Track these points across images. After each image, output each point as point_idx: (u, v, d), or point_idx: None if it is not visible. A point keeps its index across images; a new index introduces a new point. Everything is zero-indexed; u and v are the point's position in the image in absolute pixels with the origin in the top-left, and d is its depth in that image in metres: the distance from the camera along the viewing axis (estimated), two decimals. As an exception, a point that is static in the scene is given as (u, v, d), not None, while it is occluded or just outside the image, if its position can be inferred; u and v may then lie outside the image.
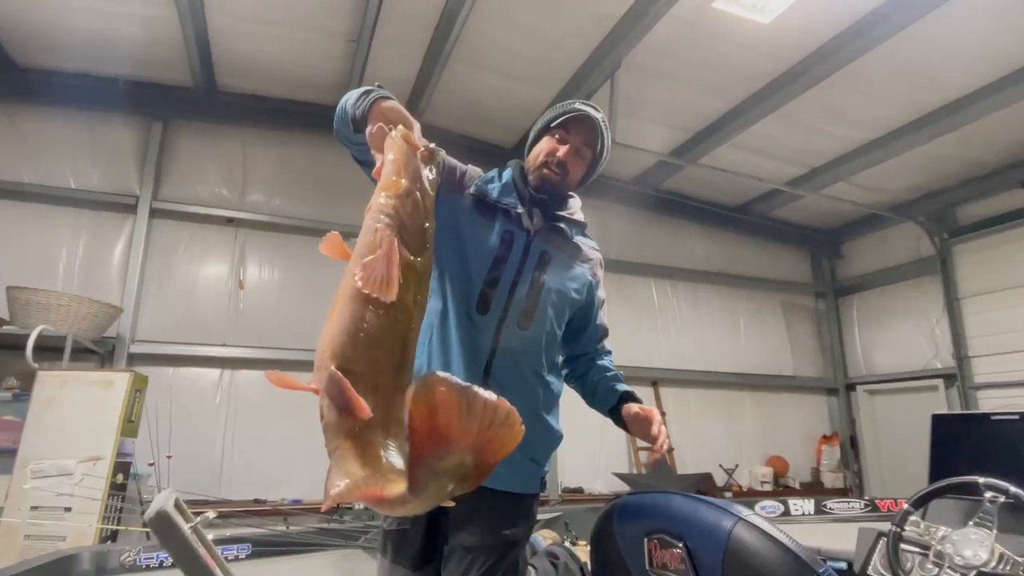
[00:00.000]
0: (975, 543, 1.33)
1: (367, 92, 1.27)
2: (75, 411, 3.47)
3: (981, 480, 1.43)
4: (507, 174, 1.60)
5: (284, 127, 5.04)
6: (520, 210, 1.52)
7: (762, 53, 4.14)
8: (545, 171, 1.52)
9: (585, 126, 1.53)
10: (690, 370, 6.20)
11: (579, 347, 1.67)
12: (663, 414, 5.90)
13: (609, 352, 1.72)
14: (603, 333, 1.70)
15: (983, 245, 5.71)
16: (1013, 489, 1.36)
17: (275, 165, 5.01)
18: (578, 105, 1.55)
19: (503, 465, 1.29)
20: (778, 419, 6.53)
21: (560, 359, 1.65)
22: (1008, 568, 1.25)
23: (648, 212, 6.34)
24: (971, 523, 1.38)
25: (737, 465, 6.06)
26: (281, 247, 4.90)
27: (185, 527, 1.29)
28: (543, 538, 1.96)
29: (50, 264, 4.28)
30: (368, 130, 1.15)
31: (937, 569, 1.36)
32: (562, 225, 1.56)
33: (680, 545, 0.93)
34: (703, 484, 5.43)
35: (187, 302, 4.57)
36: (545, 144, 1.55)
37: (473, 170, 1.60)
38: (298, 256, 4.93)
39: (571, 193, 1.65)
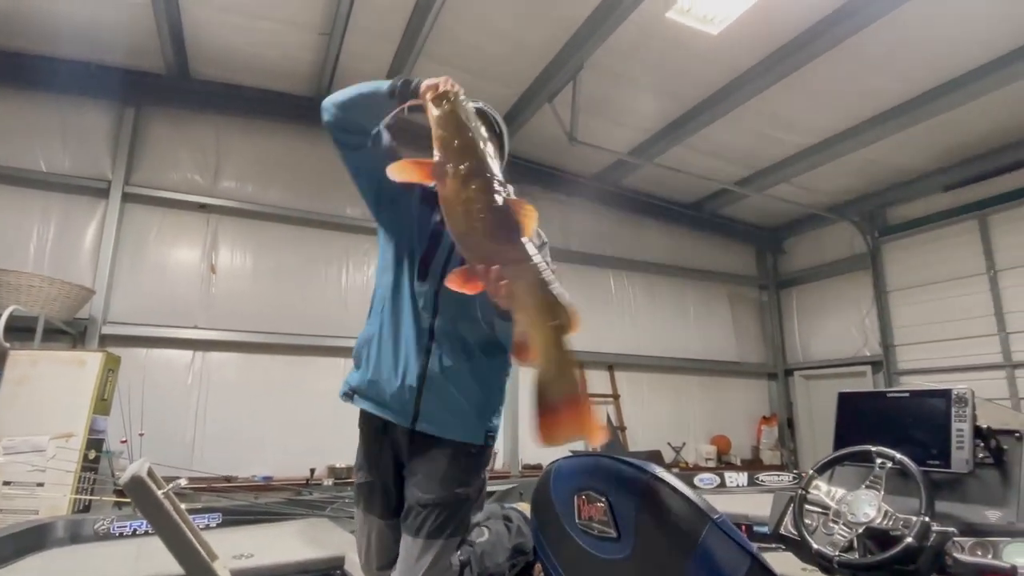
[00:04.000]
0: (865, 502, 1.54)
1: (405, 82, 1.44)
2: (47, 389, 3.55)
3: (873, 448, 1.64)
4: None
5: (257, 116, 5.11)
6: None
7: (712, 62, 4.45)
8: None
9: (480, 117, 1.72)
10: (643, 355, 6.57)
11: None
12: (617, 396, 6.27)
13: None
14: None
15: (910, 244, 6.22)
16: (899, 456, 1.57)
17: (248, 153, 5.09)
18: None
19: (447, 413, 1.50)
20: (723, 401, 6.99)
21: None
22: (890, 523, 1.47)
23: (608, 208, 6.66)
24: (864, 486, 1.59)
25: (684, 443, 6.48)
26: (253, 233, 5.01)
27: (158, 492, 1.40)
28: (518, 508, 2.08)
29: (20, 246, 4.30)
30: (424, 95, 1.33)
31: (835, 526, 1.56)
32: None
33: (603, 500, 1.04)
34: (652, 461, 5.78)
35: (160, 285, 4.65)
36: None
37: None
38: (269, 242, 5.05)
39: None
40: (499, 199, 1.18)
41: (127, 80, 4.68)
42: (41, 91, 4.49)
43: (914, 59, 4.28)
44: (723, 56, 4.38)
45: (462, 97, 1.28)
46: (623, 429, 6.15)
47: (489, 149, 1.24)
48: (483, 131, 1.28)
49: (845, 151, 5.40)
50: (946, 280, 5.85)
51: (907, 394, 1.90)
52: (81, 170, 4.55)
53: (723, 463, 6.50)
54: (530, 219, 1.18)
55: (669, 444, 6.39)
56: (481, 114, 1.64)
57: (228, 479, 4.47)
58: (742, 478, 4.12)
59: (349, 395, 1.66)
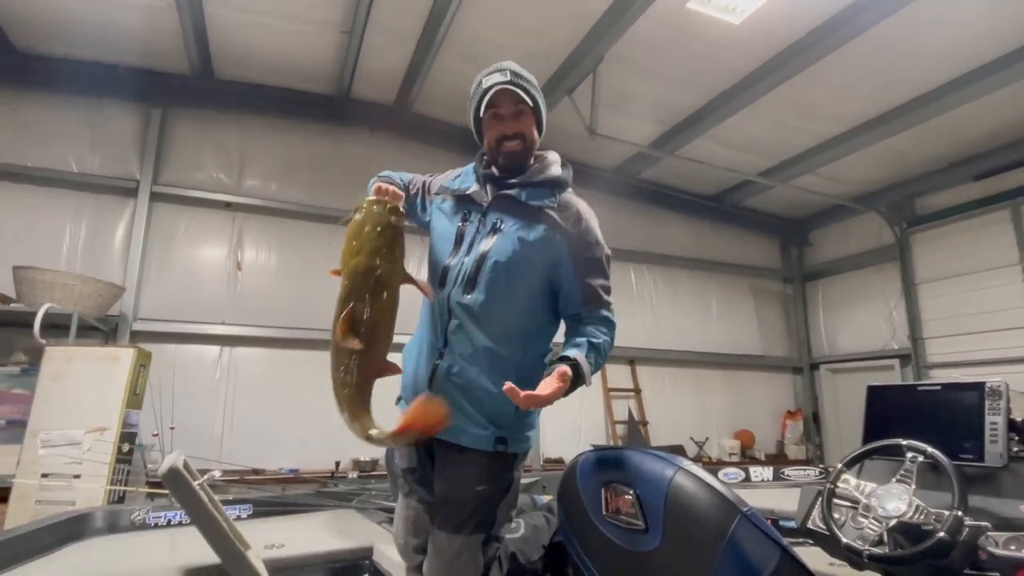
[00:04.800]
0: (896, 497, 1.50)
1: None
2: (82, 385, 3.63)
3: (903, 442, 1.60)
4: (470, 166, 1.76)
5: (280, 115, 5.17)
6: (472, 189, 1.66)
7: (734, 51, 4.37)
8: (507, 147, 1.63)
9: (506, 93, 1.59)
10: (665, 349, 6.53)
11: (564, 308, 1.67)
12: (638, 391, 6.23)
13: (602, 317, 1.64)
14: (586, 295, 1.62)
15: (939, 234, 6.07)
16: (930, 450, 1.54)
17: (271, 151, 5.16)
18: (485, 83, 1.62)
19: (454, 419, 1.51)
20: (746, 395, 6.90)
21: (540, 325, 1.67)
22: (921, 517, 1.43)
23: (628, 200, 6.60)
24: (894, 480, 1.55)
25: (707, 438, 6.43)
26: (277, 231, 5.09)
27: (194, 483, 1.45)
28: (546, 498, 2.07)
29: (54, 245, 4.42)
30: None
31: (864, 520, 1.53)
32: (511, 192, 1.64)
33: (631, 492, 1.06)
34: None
35: (187, 282, 4.75)
36: (490, 130, 1.63)
37: (440, 176, 1.80)
38: (293, 239, 5.12)
39: (543, 153, 1.71)
40: (347, 310, 1.38)
41: (153, 81, 4.77)
42: (71, 94, 4.59)
43: (942, 46, 4.16)
44: (745, 46, 4.30)
45: (375, 210, 1.45)
46: (645, 424, 6.12)
47: (366, 259, 1.40)
48: (375, 239, 1.41)
49: (872, 140, 5.27)
50: (977, 271, 5.69)
51: (939, 387, 1.87)
52: (110, 170, 4.66)
53: (747, 458, 6.42)
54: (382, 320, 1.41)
55: (692, 439, 6.35)
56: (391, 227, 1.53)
57: (256, 471, 4.56)
58: (767, 472, 4.06)
59: (399, 401, 1.71)
